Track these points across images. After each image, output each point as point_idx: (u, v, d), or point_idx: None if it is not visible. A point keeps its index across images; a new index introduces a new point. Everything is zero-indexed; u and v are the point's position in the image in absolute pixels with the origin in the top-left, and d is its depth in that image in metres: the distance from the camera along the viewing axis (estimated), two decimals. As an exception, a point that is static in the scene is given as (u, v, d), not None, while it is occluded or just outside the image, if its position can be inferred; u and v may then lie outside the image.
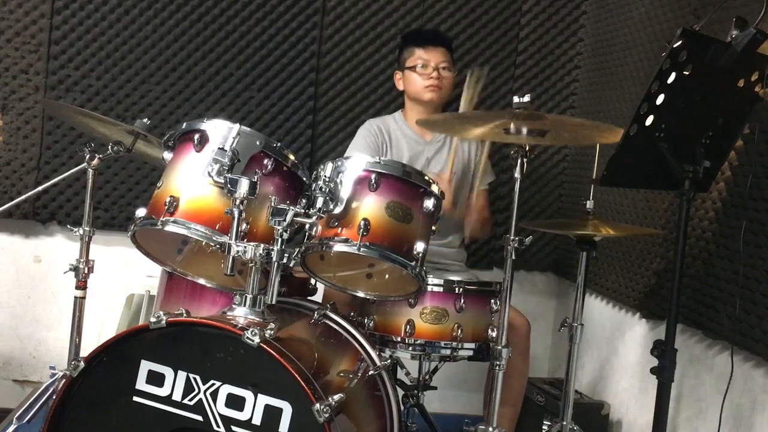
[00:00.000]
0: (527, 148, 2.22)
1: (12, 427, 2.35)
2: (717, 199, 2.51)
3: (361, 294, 2.36)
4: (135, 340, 1.88)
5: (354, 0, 3.53)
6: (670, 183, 2.23)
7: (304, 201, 2.19)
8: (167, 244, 2.26)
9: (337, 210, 2.11)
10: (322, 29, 3.52)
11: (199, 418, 1.83)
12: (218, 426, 1.82)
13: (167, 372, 1.84)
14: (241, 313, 2.01)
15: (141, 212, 2.12)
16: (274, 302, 2.03)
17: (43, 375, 3.33)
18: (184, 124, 2.20)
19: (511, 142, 2.29)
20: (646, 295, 2.88)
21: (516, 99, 2.27)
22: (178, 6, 3.40)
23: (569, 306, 3.04)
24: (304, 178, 2.21)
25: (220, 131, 2.12)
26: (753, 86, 2.19)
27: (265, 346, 1.79)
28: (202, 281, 2.27)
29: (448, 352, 2.48)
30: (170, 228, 2.06)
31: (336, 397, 1.83)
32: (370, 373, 2.23)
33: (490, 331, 2.47)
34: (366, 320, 2.48)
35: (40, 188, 2.75)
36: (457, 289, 2.46)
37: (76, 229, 2.54)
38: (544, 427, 2.61)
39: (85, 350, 2.03)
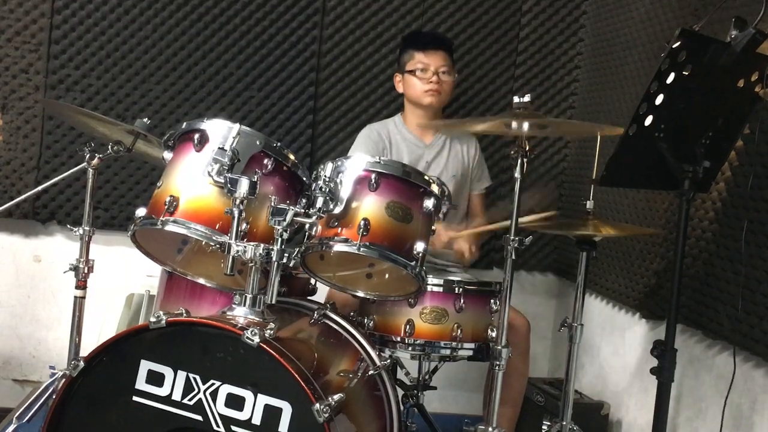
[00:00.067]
0: (527, 148, 2.22)
1: (12, 427, 2.35)
2: (717, 199, 2.51)
3: (361, 294, 2.36)
4: (135, 340, 1.88)
5: (354, 0, 3.53)
6: (670, 183, 2.23)
7: (304, 201, 2.19)
8: (167, 244, 2.26)
9: (337, 210, 2.11)
10: (322, 29, 3.52)
11: (199, 417, 1.83)
12: (218, 426, 1.82)
13: (167, 372, 1.84)
14: (240, 313, 2.01)
15: (141, 212, 2.12)
16: (273, 302, 2.03)
17: (42, 374, 3.33)
18: (184, 123, 2.19)
19: (513, 134, 2.27)
20: (646, 295, 2.88)
21: (516, 99, 2.26)
22: (178, 5, 3.40)
23: (569, 306, 3.03)
24: (304, 178, 2.21)
25: (220, 131, 2.12)
26: (753, 86, 2.19)
27: (264, 346, 1.79)
28: (201, 281, 2.27)
29: (447, 352, 2.48)
30: (170, 228, 2.06)
31: (336, 397, 1.83)
32: (370, 373, 2.22)
33: (489, 331, 2.47)
34: (366, 320, 2.48)
35: (40, 188, 2.75)
36: (456, 289, 2.46)
37: (76, 229, 2.54)
38: (544, 427, 2.60)
39: (85, 350, 2.03)
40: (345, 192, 2.13)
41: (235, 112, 3.45)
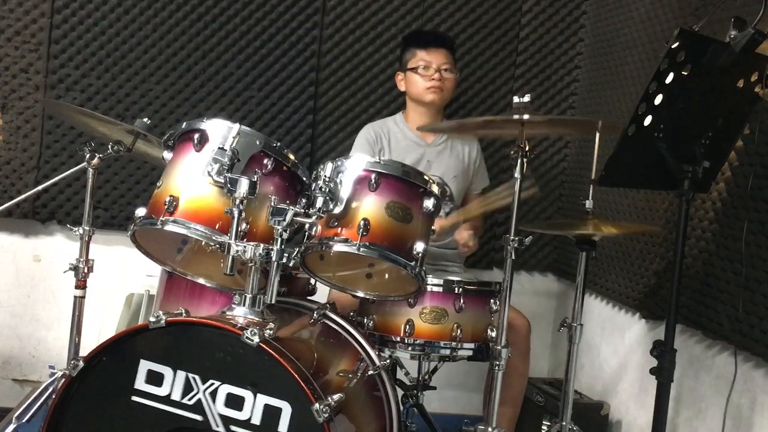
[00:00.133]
0: (527, 148, 2.23)
1: (11, 427, 2.35)
2: (717, 199, 2.51)
3: (360, 294, 2.36)
4: (134, 340, 1.88)
5: (354, 0, 3.53)
6: (670, 183, 2.23)
7: (303, 201, 2.19)
8: (167, 244, 2.26)
9: (337, 210, 2.11)
10: (322, 29, 3.52)
11: (199, 417, 1.83)
12: (217, 426, 1.82)
13: (166, 372, 1.84)
14: (240, 313, 2.01)
15: (141, 212, 2.12)
16: (273, 302, 2.03)
17: (42, 374, 3.33)
18: (184, 123, 2.19)
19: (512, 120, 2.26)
20: (645, 295, 2.88)
21: (516, 99, 2.26)
22: (178, 5, 3.40)
23: (569, 306, 3.04)
24: (304, 178, 2.21)
25: (220, 131, 2.12)
26: (753, 86, 2.19)
27: (264, 346, 1.79)
28: (201, 281, 2.27)
29: (447, 352, 2.48)
30: (170, 227, 2.06)
31: (335, 396, 1.83)
32: (370, 373, 2.23)
33: (489, 331, 2.47)
34: (365, 320, 2.48)
35: (39, 187, 2.75)
36: (456, 289, 2.46)
37: (75, 229, 2.54)
38: (544, 428, 2.60)
39: (85, 350, 2.03)
40: (345, 192, 2.13)
41: (234, 112, 3.45)
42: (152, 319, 1.84)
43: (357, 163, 2.18)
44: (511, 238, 2.21)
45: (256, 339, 1.78)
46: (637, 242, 2.96)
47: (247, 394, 1.81)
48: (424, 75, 3.06)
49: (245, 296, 2.02)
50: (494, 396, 2.24)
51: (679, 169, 2.17)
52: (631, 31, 3.19)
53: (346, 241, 2.10)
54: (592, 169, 2.66)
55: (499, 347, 2.23)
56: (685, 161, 2.18)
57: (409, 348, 2.47)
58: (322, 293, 2.71)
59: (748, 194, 2.33)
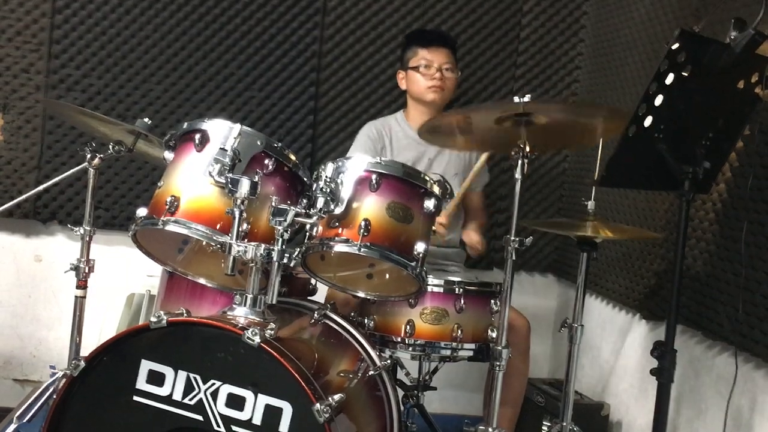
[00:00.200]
0: (528, 149, 2.23)
1: (12, 427, 2.35)
2: (717, 200, 2.51)
3: (361, 294, 2.36)
4: (135, 340, 1.89)
5: (355, 0, 3.53)
6: (670, 184, 2.23)
7: (304, 201, 2.19)
8: (168, 244, 2.26)
9: (338, 210, 2.11)
10: (323, 29, 3.52)
11: (200, 417, 1.83)
12: (218, 426, 1.82)
13: (167, 372, 1.84)
14: (241, 313, 2.01)
15: (142, 212, 2.12)
16: (274, 302, 2.03)
17: (43, 374, 3.34)
18: (185, 123, 2.19)
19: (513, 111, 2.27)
20: (646, 296, 2.88)
21: (516, 99, 2.27)
22: (179, 5, 3.41)
23: (569, 307, 3.04)
24: (305, 179, 2.21)
25: (221, 131, 2.12)
26: (753, 87, 2.19)
27: (265, 346, 1.79)
28: (202, 281, 2.27)
29: (448, 352, 2.48)
30: (171, 228, 2.06)
31: (336, 397, 1.83)
32: (370, 373, 2.23)
33: (490, 331, 2.47)
34: (366, 320, 2.48)
35: (40, 187, 2.75)
36: (457, 289, 2.46)
37: (76, 229, 2.54)
38: (544, 428, 2.61)
39: (86, 350, 2.03)
40: (346, 192, 2.13)
41: (236, 113, 3.45)
42: (153, 319, 1.84)
43: (358, 163, 2.18)
44: (512, 238, 2.22)
45: (257, 339, 1.79)
46: (637, 243, 2.96)
47: (248, 394, 1.81)
48: (425, 74, 3.07)
49: (246, 296, 2.02)
50: (494, 396, 2.25)
51: (679, 169, 2.17)
52: (632, 32, 3.19)
53: (347, 241, 2.10)
54: (593, 169, 2.68)
55: (499, 348, 2.24)
56: (686, 162, 2.18)
57: (410, 348, 2.47)
58: (323, 293, 2.71)
59: (748, 195, 2.33)
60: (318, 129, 3.54)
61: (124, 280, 3.30)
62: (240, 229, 1.99)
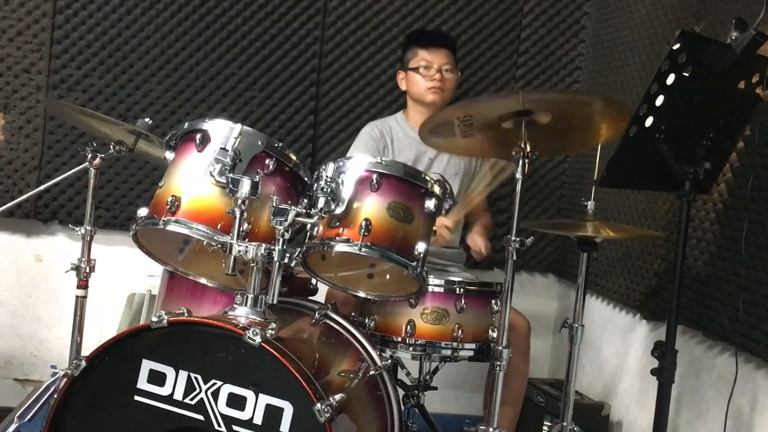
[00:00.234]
0: (528, 149, 2.23)
1: (13, 426, 2.35)
2: (718, 200, 2.51)
3: (362, 294, 2.36)
4: (136, 340, 1.88)
5: (356, 0, 3.53)
6: (671, 184, 2.23)
7: (305, 201, 2.19)
8: (169, 244, 2.26)
9: (339, 210, 2.11)
10: (323, 29, 3.53)
11: (201, 417, 1.83)
12: (219, 425, 1.82)
13: (168, 371, 1.84)
14: (242, 313, 2.01)
15: (142, 212, 2.12)
16: (275, 302, 2.03)
17: (44, 374, 3.34)
18: (186, 123, 2.19)
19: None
20: (646, 296, 2.88)
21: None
22: (180, 5, 3.41)
23: (570, 307, 3.03)
24: (306, 178, 2.21)
25: (222, 131, 2.12)
26: (754, 88, 2.19)
27: (266, 346, 1.79)
28: (203, 281, 2.27)
29: (448, 352, 2.48)
30: (172, 228, 2.06)
31: (337, 397, 1.83)
32: (371, 373, 2.23)
33: (490, 331, 2.47)
34: (367, 320, 2.48)
35: (41, 187, 2.75)
36: (457, 289, 2.46)
37: (77, 229, 2.54)
38: (545, 428, 2.61)
39: (87, 349, 2.03)
40: (346, 192, 2.13)
41: (236, 113, 3.45)
42: (154, 318, 1.84)
43: (359, 163, 2.18)
44: (512, 238, 2.21)
45: (258, 339, 1.79)
46: (638, 243, 2.96)
47: (248, 394, 1.81)
48: (425, 75, 3.06)
49: (247, 296, 2.02)
50: (495, 396, 2.25)
51: (680, 170, 2.18)
52: (632, 32, 3.19)
53: (347, 241, 2.10)
54: (593, 170, 2.68)
55: (500, 348, 2.24)
56: (686, 162, 2.18)
57: (411, 348, 2.47)
58: (323, 293, 2.71)
59: (749, 195, 2.33)
60: (319, 129, 3.55)
61: (125, 279, 3.30)
62: (241, 229, 1.99)
